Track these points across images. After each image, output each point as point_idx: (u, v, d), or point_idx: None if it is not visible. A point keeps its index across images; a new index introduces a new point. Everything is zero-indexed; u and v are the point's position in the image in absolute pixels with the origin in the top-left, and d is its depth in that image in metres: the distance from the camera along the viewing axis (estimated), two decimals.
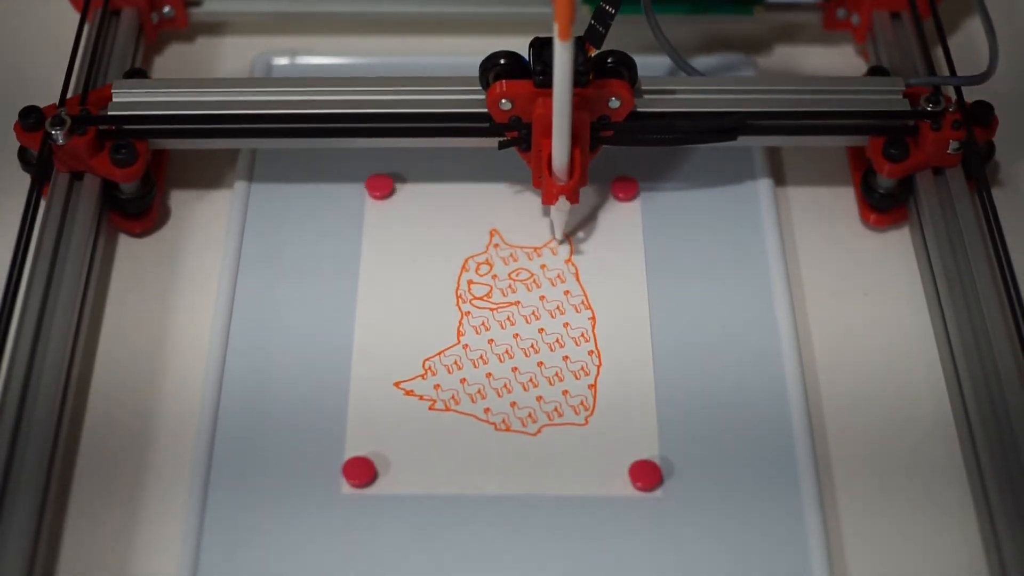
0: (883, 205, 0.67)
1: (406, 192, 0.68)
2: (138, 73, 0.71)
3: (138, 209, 0.66)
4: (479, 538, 0.57)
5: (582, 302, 0.65)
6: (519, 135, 0.64)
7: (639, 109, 0.64)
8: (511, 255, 0.66)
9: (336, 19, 0.76)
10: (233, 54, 0.75)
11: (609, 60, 0.63)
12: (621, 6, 0.61)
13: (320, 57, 0.75)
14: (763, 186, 0.68)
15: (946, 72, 0.68)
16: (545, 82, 0.61)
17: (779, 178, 0.69)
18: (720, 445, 0.60)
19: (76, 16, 0.71)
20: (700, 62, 0.73)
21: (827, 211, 0.68)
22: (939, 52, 0.70)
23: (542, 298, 0.65)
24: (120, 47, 0.71)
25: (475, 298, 0.65)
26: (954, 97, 0.66)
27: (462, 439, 0.60)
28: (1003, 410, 0.58)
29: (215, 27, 0.77)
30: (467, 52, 0.74)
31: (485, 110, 0.64)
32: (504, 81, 0.63)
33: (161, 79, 0.73)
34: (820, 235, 0.67)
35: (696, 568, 0.56)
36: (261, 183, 0.68)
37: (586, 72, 0.61)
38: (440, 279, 0.65)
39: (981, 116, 0.66)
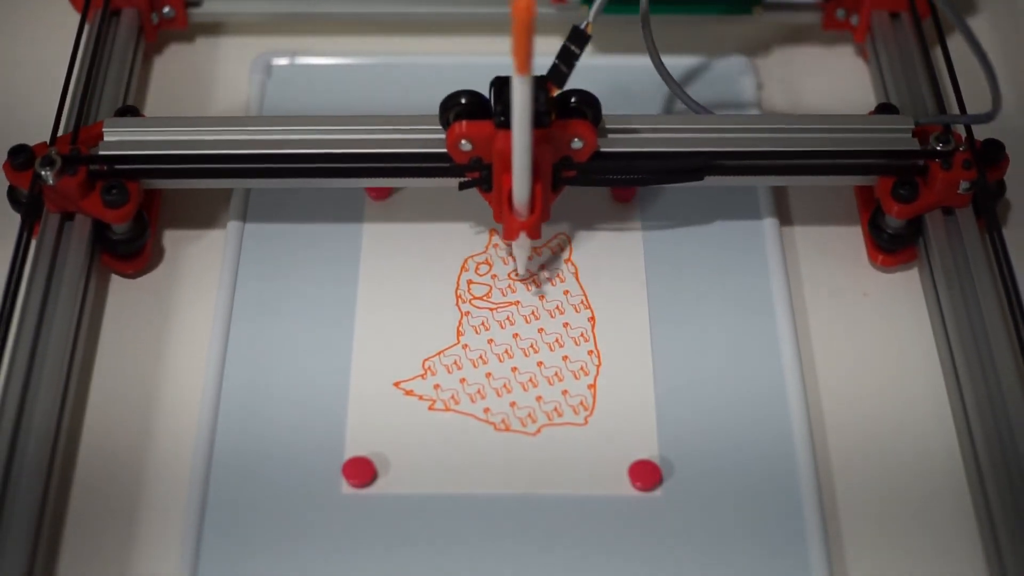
0: (891, 246, 0.65)
1: (405, 192, 0.68)
2: (130, 111, 0.68)
3: (130, 250, 0.65)
4: (478, 538, 0.57)
5: (581, 302, 0.65)
6: (480, 176, 0.62)
7: (603, 149, 0.63)
8: (511, 255, 0.66)
9: (336, 19, 0.75)
10: (233, 54, 0.75)
11: (572, 100, 0.62)
12: (586, 47, 0.60)
13: (320, 57, 0.74)
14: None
15: (946, 72, 0.68)
16: (505, 123, 0.58)
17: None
18: (720, 445, 0.60)
19: (71, 39, 0.70)
20: (698, 62, 0.73)
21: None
22: (938, 52, 0.70)
23: (541, 298, 0.65)
24: (120, 47, 0.71)
25: (475, 298, 0.65)
26: (964, 135, 0.64)
27: (462, 439, 0.60)
28: (1013, 454, 0.57)
29: (215, 27, 0.77)
30: (467, 52, 0.75)
31: (445, 150, 0.62)
32: (464, 121, 0.61)
33: (153, 118, 0.70)
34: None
35: (695, 568, 0.56)
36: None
37: (548, 112, 0.59)
38: (440, 279, 0.65)
39: (991, 155, 0.65)
